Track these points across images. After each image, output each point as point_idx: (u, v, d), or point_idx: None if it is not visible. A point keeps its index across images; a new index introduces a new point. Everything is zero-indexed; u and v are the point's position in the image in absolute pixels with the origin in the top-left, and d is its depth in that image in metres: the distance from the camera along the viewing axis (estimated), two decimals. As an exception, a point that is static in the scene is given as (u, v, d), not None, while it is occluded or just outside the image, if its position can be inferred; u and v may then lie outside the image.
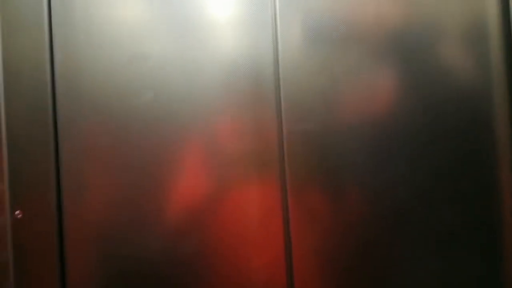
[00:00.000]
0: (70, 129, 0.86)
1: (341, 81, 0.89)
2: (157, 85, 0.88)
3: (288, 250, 0.88)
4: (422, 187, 0.89)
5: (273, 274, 0.88)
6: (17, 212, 0.84)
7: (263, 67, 0.88)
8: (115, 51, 0.87)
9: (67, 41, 0.87)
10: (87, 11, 0.87)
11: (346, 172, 0.88)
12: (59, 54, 0.86)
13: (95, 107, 0.87)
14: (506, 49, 0.90)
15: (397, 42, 0.89)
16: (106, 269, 0.87)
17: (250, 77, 0.88)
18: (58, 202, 0.86)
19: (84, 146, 0.87)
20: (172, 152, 0.87)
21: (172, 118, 0.87)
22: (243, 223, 0.88)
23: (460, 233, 0.90)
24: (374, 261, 0.88)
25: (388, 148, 0.89)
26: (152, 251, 0.87)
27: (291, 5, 0.88)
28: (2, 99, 0.85)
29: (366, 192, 0.88)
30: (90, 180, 0.87)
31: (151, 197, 0.87)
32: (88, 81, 0.87)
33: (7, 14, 0.85)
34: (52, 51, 0.86)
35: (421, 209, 0.89)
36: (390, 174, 0.89)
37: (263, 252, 0.88)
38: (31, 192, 0.85)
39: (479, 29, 0.90)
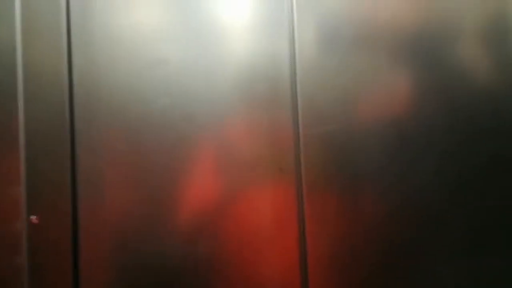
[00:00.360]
0: (87, 134, 0.87)
1: (359, 83, 0.88)
2: (174, 90, 0.88)
3: (303, 258, 0.86)
4: (444, 193, 0.88)
5: (287, 282, 0.86)
6: (33, 217, 0.84)
7: (280, 70, 0.88)
8: (133, 56, 0.88)
9: (85, 46, 0.88)
10: (105, 16, 0.88)
11: (364, 177, 0.87)
12: (78, 59, 0.87)
13: (112, 112, 0.87)
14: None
15: (416, 42, 0.89)
16: (120, 275, 0.86)
17: (267, 81, 0.88)
18: (74, 207, 0.85)
19: (100, 151, 0.87)
20: (188, 156, 0.87)
21: (189, 123, 0.87)
22: (258, 229, 0.87)
23: (485, 241, 0.88)
24: (393, 270, 0.87)
25: (408, 152, 0.88)
26: (167, 258, 0.86)
27: (308, 8, 0.89)
28: (21, 104, 0.86)
29: (386, 198, 0.87)
30: (106, 185, 0.86)
31: (167, 204, 0.87)
32: (106, 86, 0.87)
33: (27, 19, 0.87)
34: (71, 56, 0.87)
35: (442, 215, 0.87)
36: (411, 179, 0.87)
37: (277, 259, 0.87)
38: (47, 197, 0.85)
39: (501, 28, 0.90)
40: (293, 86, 0.88)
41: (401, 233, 0.87)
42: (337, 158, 0.87)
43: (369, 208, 0.87)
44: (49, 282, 0.84)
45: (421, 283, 0.87)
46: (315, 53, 0.88)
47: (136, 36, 0.88)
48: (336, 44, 0.88)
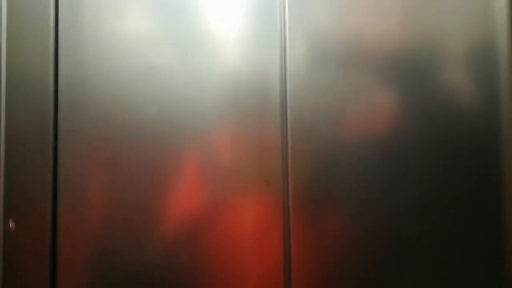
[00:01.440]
0: (71, 140, 0.85)
1: (349, 101, 0.88)
2: (162, 99, 0.86)
3: (287, 271, 0.85)
4: (431, 211, 0.87)
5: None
6: (10, 222, 0.82)
7: (270, 84, 0.87)
8: (121, 64, 0.86)
9: (73, 51, 0.86)
10: (95, 22, 0.87)
11: (350, 192, 0.86)
12: (64, 64, 0.85)
13: (98, 119, 0.85)
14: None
15: (404, 63, 0.89)
16: (100, 284, 0.84)
17: (257, 94, 0.87)
18: (54, 215, 0.83)
19: (84, 158, 0.85)
20: (174, 167, 0.86)
21: (176, 133, 0.86)
22: (243, 241, 0.85)
23: (468, 259, 0.87)
24: (377, 282, 0.86)
25: (395, 169, 0.87)
26: (149, 268, 0.84)
27: (300, 23, 0.88)
28: (2, 107, 0.84)
29: (371, 213, 0.86)
30: (89, 194, 0.85)
31: (151, 213, 0.85)
32: (93, 92, 0.86)
33: (13, 22, 0.85)
34: (57, 61, 0.85)
35: (427, 233, 0.87)
36: (398, 196, 0.87)
37: (261, 271, 0.85)
38: (26, 203, 0.83)
39: (487, 53, 0.90)
40: (283, 100, 0.87)
41: (387, 247, 0.86)
42: (324, 173, 0.87)
43: (354, 223, 0.86)
44: (23, 290, 0.82)
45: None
46: (306, 69, 0.88)
47: (126, 42, 0.87)
48: (327, 61, 0.88)
